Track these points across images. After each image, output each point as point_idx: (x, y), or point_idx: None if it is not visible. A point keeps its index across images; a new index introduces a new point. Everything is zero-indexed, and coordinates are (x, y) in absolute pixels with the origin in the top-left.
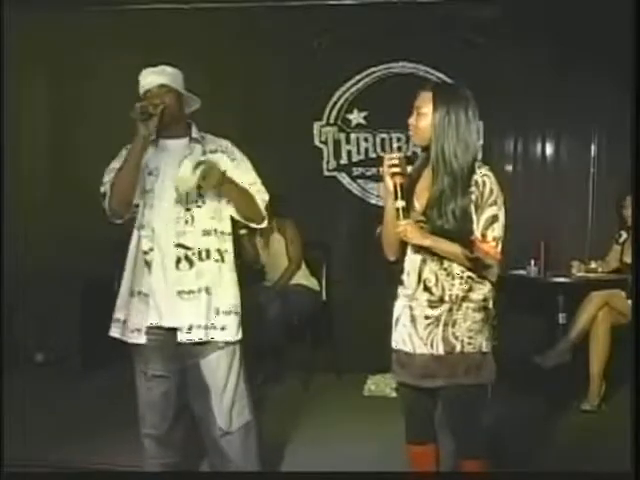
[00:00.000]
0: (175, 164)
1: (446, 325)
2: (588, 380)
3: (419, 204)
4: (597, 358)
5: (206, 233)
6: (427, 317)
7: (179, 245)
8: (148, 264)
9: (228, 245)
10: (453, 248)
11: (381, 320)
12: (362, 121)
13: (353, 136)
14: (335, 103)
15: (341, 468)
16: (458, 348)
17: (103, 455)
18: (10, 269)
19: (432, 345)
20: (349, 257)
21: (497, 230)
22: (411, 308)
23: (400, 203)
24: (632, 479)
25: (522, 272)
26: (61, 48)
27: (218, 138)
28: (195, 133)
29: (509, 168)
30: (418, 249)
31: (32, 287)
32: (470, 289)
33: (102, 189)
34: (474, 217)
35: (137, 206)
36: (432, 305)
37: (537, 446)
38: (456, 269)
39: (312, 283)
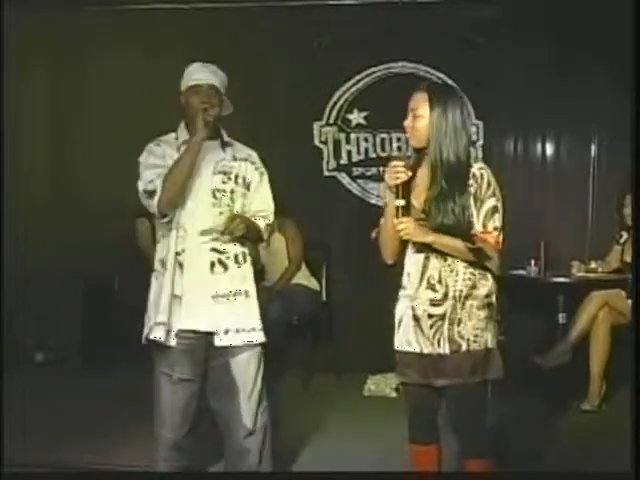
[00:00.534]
0: (209, 166)
1: (451, 324)
2: (588, 380)
3: (417, 203)
4: (597, 358)
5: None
6: (431, 316)
7: (214, 249)
8: (181, 265)
9: (248, 247)
10: (455, 242)
11: (381, 320)
12: (362, 121)
13: (353, 136)
14: (335, 103)
15: (341, 468)
16: (464, 347)
17: (103, 455)
18: (10, 269)
19: (439, 344)
20: (349, 257)
21: (497, 220)
22: (413, 309)
23: (400, 202)
24: (632, 479)
25: (522, 272)
26: (61, 48)
27: (245, 146)
28: (226, 137)
29: (509, 168)
30: (420, 248)
31: (32, 287)
32: (474, 286)
33: (147, 187)
34: (474, 210)
35: None
36: (436, 303)
37: (537, 446)
38: (459, 265)
39: (312, 283)
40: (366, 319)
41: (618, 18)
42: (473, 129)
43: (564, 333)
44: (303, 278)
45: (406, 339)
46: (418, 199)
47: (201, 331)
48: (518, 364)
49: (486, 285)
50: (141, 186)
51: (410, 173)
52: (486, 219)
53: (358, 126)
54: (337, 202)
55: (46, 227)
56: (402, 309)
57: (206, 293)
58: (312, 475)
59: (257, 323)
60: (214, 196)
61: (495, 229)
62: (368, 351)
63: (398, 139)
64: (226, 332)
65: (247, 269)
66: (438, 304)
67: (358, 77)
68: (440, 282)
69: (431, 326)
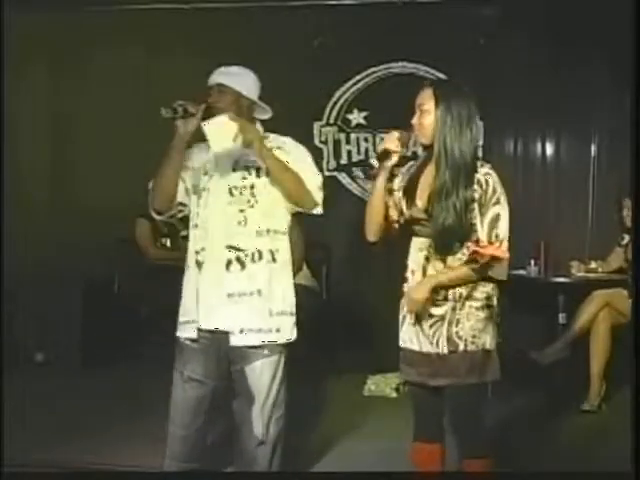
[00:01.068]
0: (228, 163)
1: (450, 324)
2: (588, 380)
3: (421, 202)
4: (597, 358)
5: (259, 234)
6: (432, 315)
7: (231, 247)
8: (199, 264)
9: (280, 244)
10: (458, 271)
11: (381, 320)
12: (362, 121)
13: (353, 136)
14: (335, 103)
15: (341, 468)
16: (461, 347)
17: (103, 455)
18: (10, 269)
19: (437, 344)
20: (349, 257)
21: (501, 229)
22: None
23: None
24: (632, 479)
25: (522, 272)
26: (61, 48)
27: (280, 136)
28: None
29: (509, 168)
30: (421, 247)
31: (32, 287)
32: (473, 287)
33: (149, 185)
34: (478, 217)
35: (184, 205)
36: (436, 303)
37: (537, 446)
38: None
39: (312, 283)
40: (366, 319)
41: (618, 18)
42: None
43: (564, 332)
44: (303, 278)
45: (409, 336)
46: (422, 198)
47: (216, 330)
48: (518, 364)
49: (486, 287)
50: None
51: (403, 149)
52: (490, 228)
53: (358, 126)
54: (337, 202)
55: (46, 227)
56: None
57: (222, 291)
58: (312, 475)
59: (276, 323)
60: (231, 194)
61: (499, 239)
62: (368, 351)
63: None
64: (241, 331)
65: (264, 267)
66: (438, 304)
67: (358, 77)
68: None
69: (431, 326)
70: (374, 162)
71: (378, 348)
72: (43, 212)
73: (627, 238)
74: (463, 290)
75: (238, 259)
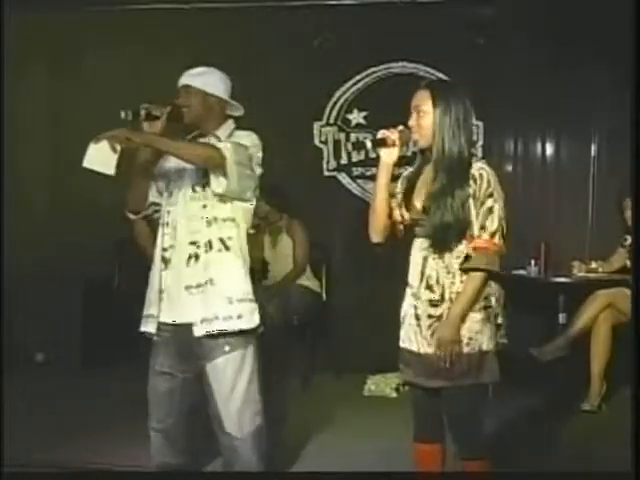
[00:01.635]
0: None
1: None
2: (589, 380)
3: (419, 202)
4: (598, 358)
5: (209, 223)
6: (430, 316)
7: (193, 242)
8: (165, 260)
9: (232, 232)
10: (466, 287)
11: (381, 320)
12: (362, 121)
13: (353, 136)
14: (335, 103)
15: (341, 468)
16: (457, 348)
17: (103, 455)
18: (10, 269)
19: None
20: (349, 257)
21: (494, 221)
22: (416, 307)
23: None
24: (632, 479)
25: (522, 272)
26: (61, 48)
27: (245, 132)
28: (222, 133)
29: (509, 168)
30: (421, 246)
31: (32, 287)
32: None
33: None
34: (473, 210)
35: (157, 204)
36: (434, 304)
37: (537, 446)
38: (455, 266)
39: (313, 284)
40: (366, 319)
41: (618, 18)
42: (473, 128)
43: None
44: (304, 278)
45: (408, 337)
46: (420, 199)
47: (177, 323)
48: (518, 365)
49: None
50: None
51: (403, 148)
52: (483, 221)
53: (358, 126)
54: (337, 202)
55: (46, 227)
56: (407, 306)
57: (181, 285)
58: (312, 475)
59: (236, 310)
60: (193, 190)
61: (490, 233)
62: (368, 351)
63: None
64: (202, 321)
65: (216, 256)
66: (436, 305)
67: (358, 77)
68: (438, 282)
69: (429, 326)
70: (368, 144)
71: (378, 348)
72: (43, 212)
73: (629, 239)
74: (460, 290)
75: (196, 253)
